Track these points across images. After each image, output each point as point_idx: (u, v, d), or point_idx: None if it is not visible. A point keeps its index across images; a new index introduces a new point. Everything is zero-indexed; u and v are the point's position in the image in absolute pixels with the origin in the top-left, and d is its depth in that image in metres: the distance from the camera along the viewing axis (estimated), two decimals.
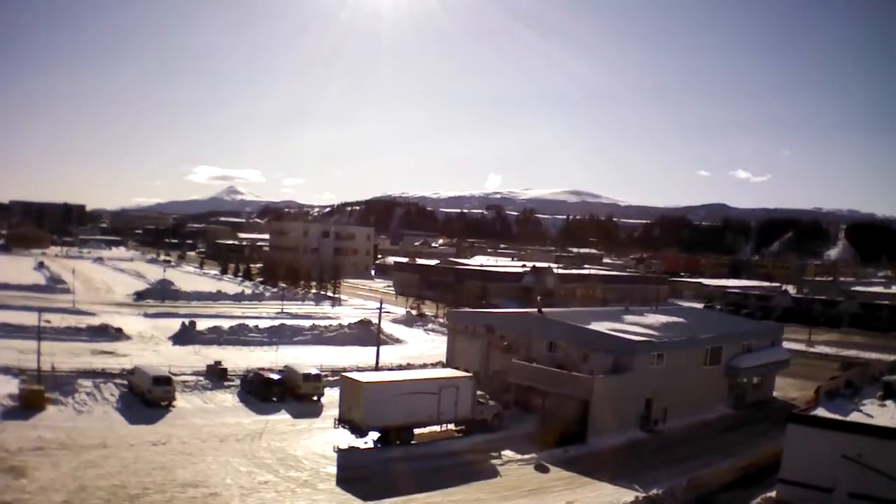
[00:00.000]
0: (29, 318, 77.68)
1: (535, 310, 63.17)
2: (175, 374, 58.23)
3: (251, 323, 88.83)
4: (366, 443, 47.01)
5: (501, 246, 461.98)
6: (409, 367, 69.51)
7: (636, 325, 58.96)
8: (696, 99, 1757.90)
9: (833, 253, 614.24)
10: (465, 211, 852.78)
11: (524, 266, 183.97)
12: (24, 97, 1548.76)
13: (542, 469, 44.57)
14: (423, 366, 70.63)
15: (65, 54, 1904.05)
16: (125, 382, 55.69)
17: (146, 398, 52.47)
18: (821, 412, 39.40)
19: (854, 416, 38.85)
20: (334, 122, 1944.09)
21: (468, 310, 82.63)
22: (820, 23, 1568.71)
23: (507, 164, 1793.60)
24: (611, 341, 53.81)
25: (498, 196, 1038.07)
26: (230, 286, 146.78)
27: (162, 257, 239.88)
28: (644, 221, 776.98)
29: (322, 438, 48.04)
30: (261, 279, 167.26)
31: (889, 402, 42.07)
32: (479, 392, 51.44)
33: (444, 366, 67.05)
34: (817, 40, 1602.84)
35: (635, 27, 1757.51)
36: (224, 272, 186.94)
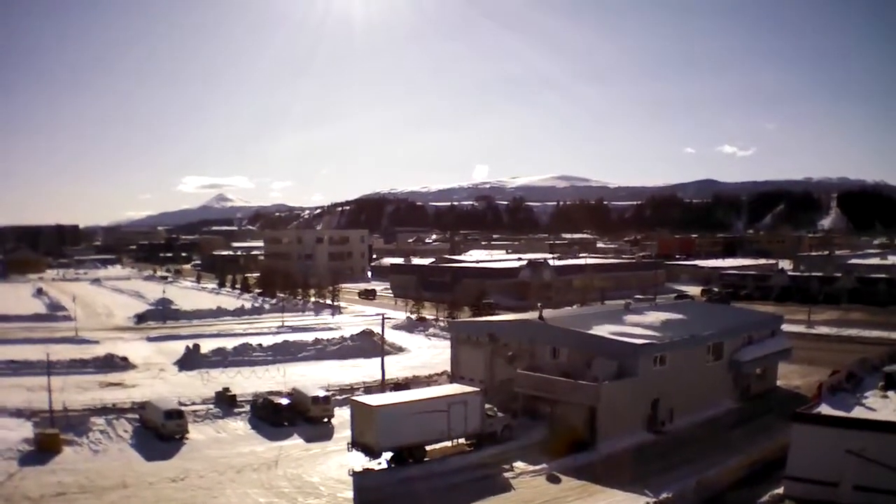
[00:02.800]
0: (34, 353, 78.71)
1: (537, 315, 63.53)
2: (185, 405, 59.00)
3: (254, 341, 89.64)
4: (379, 464, 47.68)
5: (494, 236, 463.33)
6: (414, 379, 70.37)
7: (637, 326, 59.44)
8: (676, 76, 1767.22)
9: (826, 222, 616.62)
10: (455, 204, 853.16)
11: (520, 259, 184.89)
12: (7, 121, 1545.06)
13: (553, 480, 45.26)
14: (429, 377, 71.64)
15: (45, 77, 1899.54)
16: (137, 416, 56.35)
17: (160, 433, 53.02)
18: (824, 408, 40.26)
19: (856, 411, 39.72)
20: (317, 124, 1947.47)
21: (469, 319, 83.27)
22: None
23: (493, 154, 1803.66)
24: (614, 346, 54.39)
25: (487, 186, 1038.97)
26: (229, 300, 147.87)
27: (158, 273, 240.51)
28: (635, 203, 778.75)
29: (336, 462, 48.68)
30: (259, 290, 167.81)
31: (891, 393, 42.94)
32: (487, 405, 52.21)
33: (449, 376, 67.98)
34: (797, 10, 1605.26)
35: (611, 7, 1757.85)
36: (222, 285, 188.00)
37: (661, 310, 68.98)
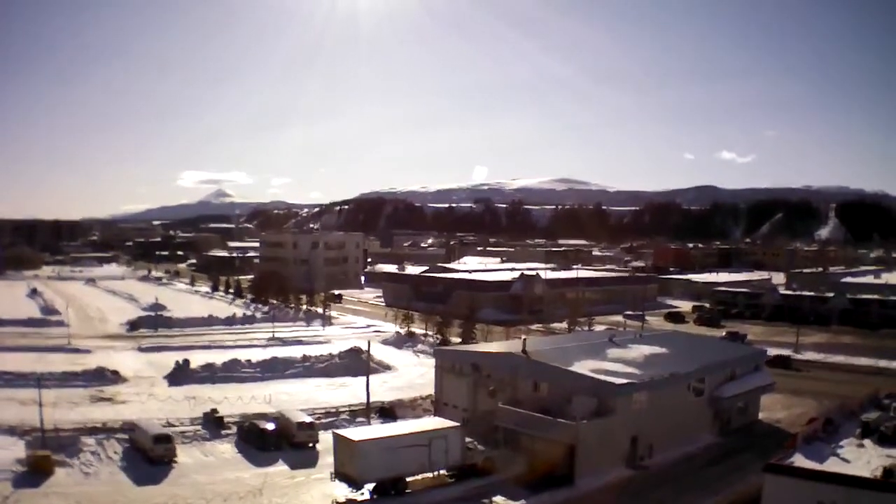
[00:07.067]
0: (27, 362, 79.71)
1: (520, 348, 64.02)
2: (174, 426, 60.17)
3: (243, 356, 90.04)
4: (362, 494, 48.49)
5: (491, 240, 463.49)
6: (399, 402, 71.24)
7: (619, 362, 59.94)
8: (677, 82, 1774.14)
9: (824, 232, 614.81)
10: (454, 206, 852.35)
11: (513, 269, 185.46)
12: (8, 112, 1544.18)
13: None
14: (414, 400, 72.56)
15: (46, 68, 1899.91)
16: (126, 437, 57.22)
17: (148, 455, 53.88)
18: (798, 458, 40.96)
19: (830, 462, 40.48)
20: (318, 121, 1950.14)
21: (453, 348, 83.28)
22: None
23: (493, 155, 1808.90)
24: (594, 384, 54.93)
25: (486, 188, 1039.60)
26: (222, 307, 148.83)
27: (153, 274, 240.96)
28: (634, 208, 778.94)
29: (320, 491, 49.48)
30: (251, 296, 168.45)
31: (867, 442, 43.71)
32: (467, 439, 53.05)
33: (433, 401, 68.82)
34: (796, 19, 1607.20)
35: (616, 12, 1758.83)
36: (215, 288, 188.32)
37: (645, 343, 69.48)
